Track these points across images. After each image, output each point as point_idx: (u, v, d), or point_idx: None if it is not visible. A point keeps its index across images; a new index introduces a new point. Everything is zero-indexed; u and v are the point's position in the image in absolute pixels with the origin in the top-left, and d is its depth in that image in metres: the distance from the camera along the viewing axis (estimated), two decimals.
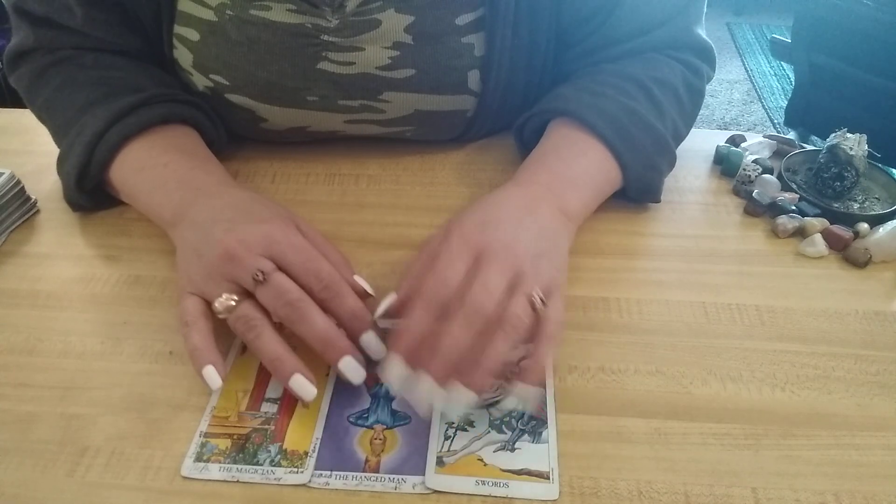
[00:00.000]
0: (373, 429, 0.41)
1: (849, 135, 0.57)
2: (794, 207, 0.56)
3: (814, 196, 0.57)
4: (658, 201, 0.57)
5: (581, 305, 0.49)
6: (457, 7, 0.54)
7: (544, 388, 0.43)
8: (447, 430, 0.40)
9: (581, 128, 0.54)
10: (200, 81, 0.58)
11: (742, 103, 2.52)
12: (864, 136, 0.57)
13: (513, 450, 0.39)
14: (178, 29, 0.56)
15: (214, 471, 0.38)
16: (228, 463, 0.39)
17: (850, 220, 0.55)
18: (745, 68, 2.74)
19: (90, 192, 0.55)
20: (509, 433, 0.40)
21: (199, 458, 0.39)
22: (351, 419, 0.41)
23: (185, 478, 0.38)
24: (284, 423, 0.41)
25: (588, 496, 0.37)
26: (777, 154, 0.64)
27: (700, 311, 0.48)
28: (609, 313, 0.48)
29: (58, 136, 0.57)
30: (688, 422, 0.41)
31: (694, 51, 0.60)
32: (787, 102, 1.71)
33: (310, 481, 0.38)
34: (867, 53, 1.41)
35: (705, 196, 0.60)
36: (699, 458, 0.39)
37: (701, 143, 0.65)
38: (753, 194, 0.57)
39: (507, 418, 0.41)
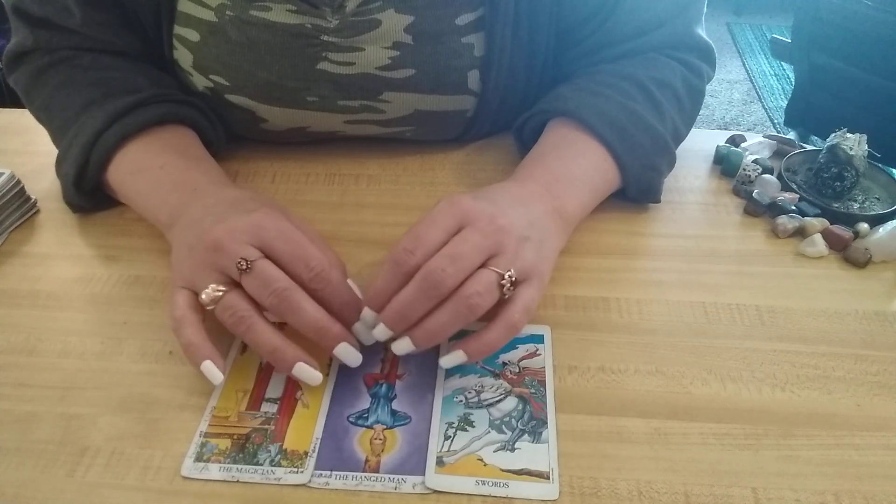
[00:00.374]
0: (373, 429, 0.41)
1: (849, 135, 0.57)
2: (794, 207, 0.56)
3: (814, 196, 0.57)
4: (658, 201, 0.57)
5: (581, 305, 0.49)
6: (457, 7, 0.54)
7: (543, 386, 0.43)
8: (447, 430, 0.40)
9: (580, 128, 0.54)
10: (200, 82, 0.58)
11: (742, 103, 2.52)
12: (864, 136, 0.57)
13: (513, 450, 0.39)
14: (178, 30, 0.56)
15: (214, 471, 0.38)
16: (228, 463, 0.39)
17: (850, 220, 0.55)
18: (745, 68, 2.74)
19: (89, 193, 0.55)
20: (509, 433, 0.40)
21: (199, 458, 0.39)
22: (351, 419, 0.41)
23: (185, 478, 0.38)
24: (284, 423, 0.41)
25: (588, 496, 0.37)
26: (777, 154, 0.64)
27: (700, 311, 0.48)
28: (609, 313, 0.48)
29: (56, 137, 0.57)
30: (688, 422, 0.41)
31: (694, 51, 0.60)
32: (787, 102, 1.71)
33: (310, 481, 0.38)
34: (867, 53, 1.41)
35: (705, 196, 0.60)
36: (699, 458, 0.39)
37: (701, 143, 0.65)
38: (753, 194, 0.57)
39: (507, 418, 0.41)
